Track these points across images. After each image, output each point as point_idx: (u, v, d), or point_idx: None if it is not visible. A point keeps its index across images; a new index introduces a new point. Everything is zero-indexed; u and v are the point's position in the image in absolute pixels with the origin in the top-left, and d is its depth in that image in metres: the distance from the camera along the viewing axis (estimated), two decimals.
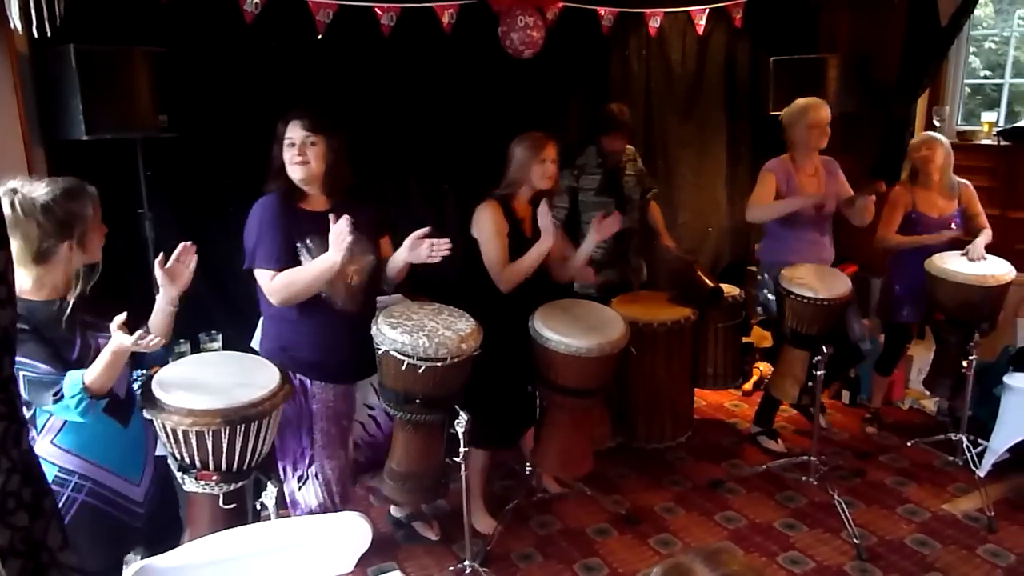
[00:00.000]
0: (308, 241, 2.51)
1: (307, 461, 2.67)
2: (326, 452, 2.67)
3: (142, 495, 2.15)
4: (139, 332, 1.90)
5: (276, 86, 3.51)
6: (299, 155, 2.50)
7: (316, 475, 2.67)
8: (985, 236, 3.66)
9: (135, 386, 2.19)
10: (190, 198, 3.48)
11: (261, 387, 2.17)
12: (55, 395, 1.90)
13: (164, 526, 2.25)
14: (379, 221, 2.75)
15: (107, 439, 2.06)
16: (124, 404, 2.10)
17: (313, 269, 2.47)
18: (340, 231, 2.37)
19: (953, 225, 3.78)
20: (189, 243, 2.23)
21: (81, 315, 2.04)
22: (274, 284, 2.49)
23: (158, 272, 2.17)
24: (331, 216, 2.42)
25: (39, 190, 1.94)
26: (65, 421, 2.00)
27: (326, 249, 2.46)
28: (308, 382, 2.62)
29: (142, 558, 2.02)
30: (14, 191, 1.92)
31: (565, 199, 3.81)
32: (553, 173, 3.02)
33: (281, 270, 2.48)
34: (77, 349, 2.00)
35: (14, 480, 1.21)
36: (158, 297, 2.21)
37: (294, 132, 2.51)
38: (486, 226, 2.97)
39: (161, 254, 2.18)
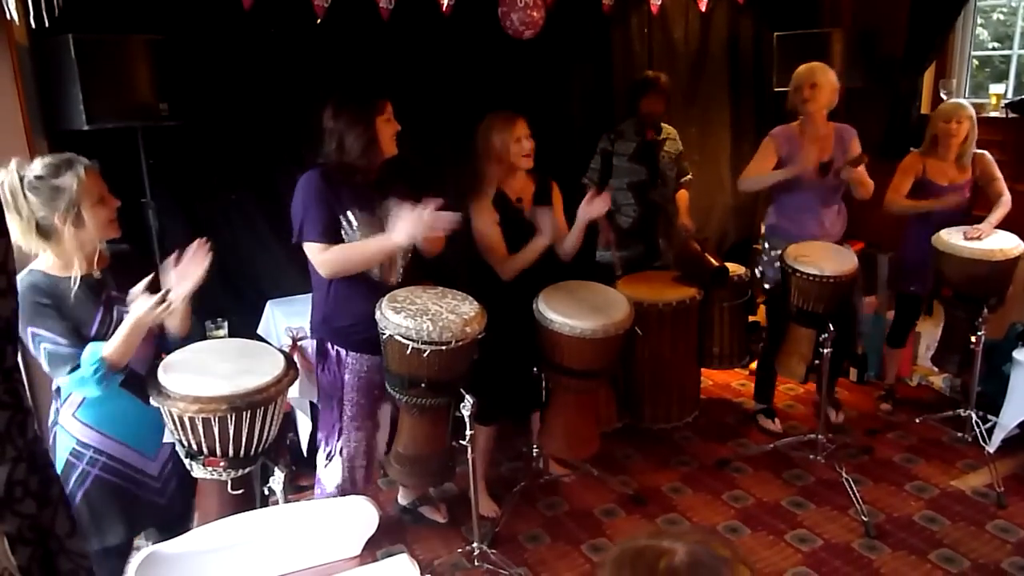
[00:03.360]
0: (349, 214, 2.56)
1: (336, 436, 2.74)
2: (355, 423, 2.74)
3: (158, 469, 2.21)
4: (158, 296, 1.95)
5: (276, 72, 3.50)
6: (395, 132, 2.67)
7: (342, 450, 2.74)
8: (1002, 208, 3.61)
9: None
10: (193, 186, 3.48)
11: (266, 373, 2.17)
12: (73, 367, 1.96)
13: (180, 510, 2.28)
14: (413, 193, 2.76)
15: (126, 414, 2.13)
16: (145, 381, 2.14)
17: (371, 247, 2.54)
18: (424, 221, 2.42)
19: (966, 195, 3.72)
20: (204, 239, 2.17)
21: (109, 291, 2.11)
22: (327, 256, 2.53)
23: (171, 272, 2.12)
24: (405, 203, 2.48)
25: (31, 168, 2.00)
26: (85, 396, 2.06)
27: (368, 221, 2.54)
28: (344, 352, 2.69)
29: (154, 541, 2.05)
30: (8, 172, 1.98)
31: (598, 160, 3.90)
32: (529, 150, 2.97)
33: (329, 242, 2.52)
34: (96, 325, 2.05)
35: (20, 469, 1.22)
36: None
37: (391, 110, 2.64)
38: (477, 223, 2.98)
39: (176, 253, 2.15)
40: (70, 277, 2.04)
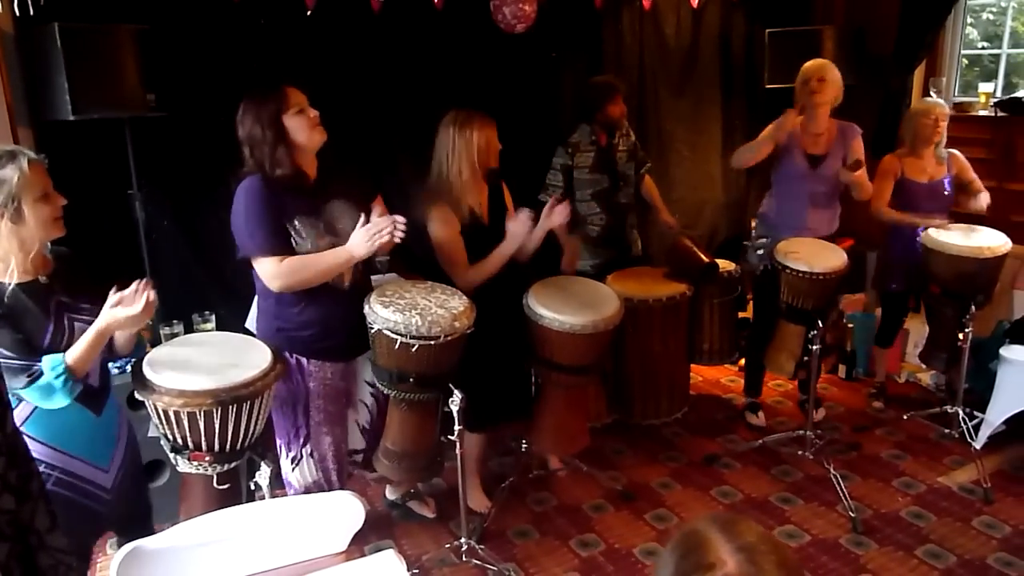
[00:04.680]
0: (296, 222, 2.45)
1: (301, 440, 2.66)
2: (323, 428, 2.66)
3: (110, 481, 2.11)
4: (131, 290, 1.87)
5: (265, 63, 3.46)
6: (314, 121, 2.47)
7: (311, 452, 2.66)
8: (985, 198, 3.67)
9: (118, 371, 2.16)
10: (180, 178, 3.45)
11: (253, 367, 2.16)
12: (30, 376, 1.86)
13: (135, 511, 2.23)
14: (364, 188, 2.70)
15: (76, 427, 2.02)
16: (98, 393, 2.07)
17: (328, 261, 2.43)
18: (380, 229, 2.36)
19: (946, 192, 3.75)
20: (147, 280, 2.02)
21: (57, 296, 1.99)
22: (282, 269, 2.40)
23: (111, 299, 1.98)
24: (375, 208, 2.42)
25: None
26: (33, 409, 1.95)
27: (314, 228, 2.44)
28: (304, 361, 2.60)
29: (117, 543, 2.01)
30: None
31: (560, 178, 3.75)
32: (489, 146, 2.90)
33: (279, 255, 2.40)
34: (50, 333, 1.95)
35: None
36: None
37: (300, 99, 2.47)
38: (436, 231, 2.87)
39: (115, 287, 2.02)
40: (6, 282, 1.91)
